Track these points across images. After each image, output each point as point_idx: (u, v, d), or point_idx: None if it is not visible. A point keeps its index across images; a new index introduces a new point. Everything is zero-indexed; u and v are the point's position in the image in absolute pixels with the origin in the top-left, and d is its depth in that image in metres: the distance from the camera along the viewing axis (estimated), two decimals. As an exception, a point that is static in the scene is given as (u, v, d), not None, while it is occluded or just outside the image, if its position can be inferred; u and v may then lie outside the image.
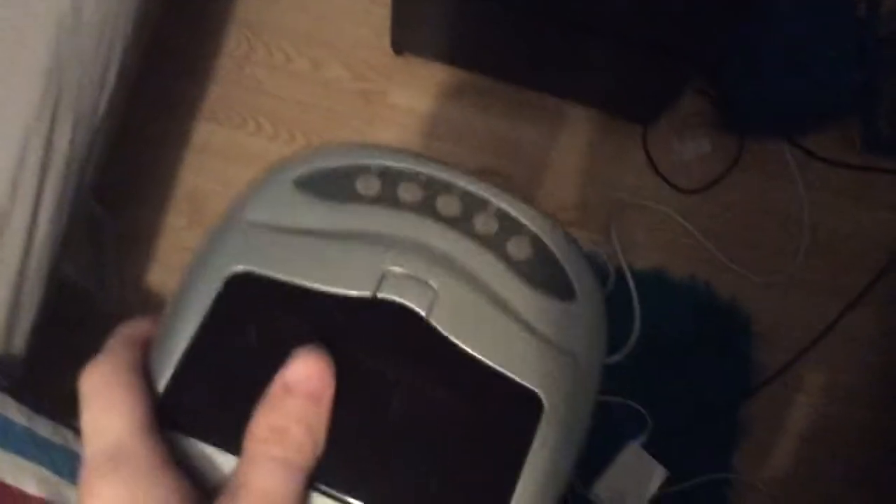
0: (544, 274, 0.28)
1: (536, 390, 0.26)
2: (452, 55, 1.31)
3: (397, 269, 0.26)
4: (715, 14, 1.03)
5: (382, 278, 0.26)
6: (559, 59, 1.23)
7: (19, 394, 0.83)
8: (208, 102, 1.33)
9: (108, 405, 0.25)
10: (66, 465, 0.79)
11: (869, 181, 1.32)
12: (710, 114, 1.34)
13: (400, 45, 1.32)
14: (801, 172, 1.32)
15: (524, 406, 0.26)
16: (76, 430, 0.82)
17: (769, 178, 1.33)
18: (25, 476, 0.77)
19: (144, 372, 0.26)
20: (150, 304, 1.25)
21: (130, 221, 1.26)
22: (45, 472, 0.78)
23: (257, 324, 0.26)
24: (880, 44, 1.26)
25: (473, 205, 0.29)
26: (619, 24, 1.09)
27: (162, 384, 0.25)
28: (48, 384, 0.82)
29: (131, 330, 0.28)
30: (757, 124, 1.29)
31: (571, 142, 1.34)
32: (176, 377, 0.25)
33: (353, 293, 0.26)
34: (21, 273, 0.88)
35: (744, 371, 1.25)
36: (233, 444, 0.24)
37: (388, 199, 0.28)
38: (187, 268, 0.29)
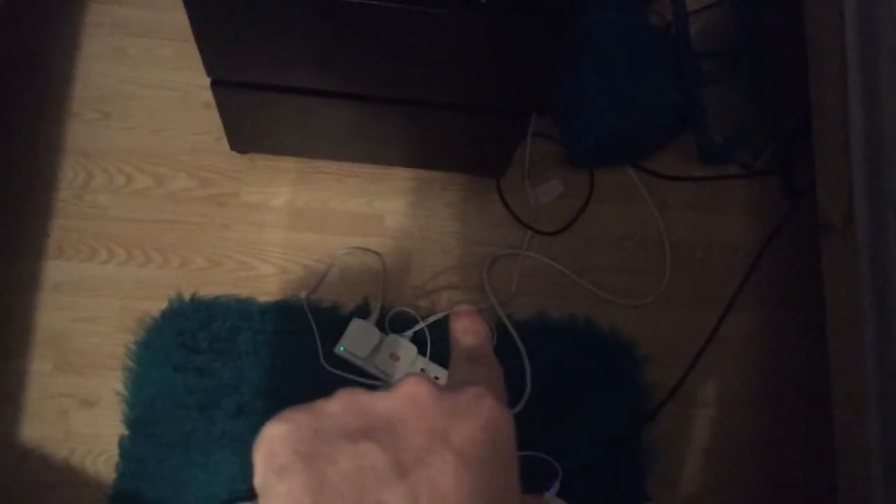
0: None
1: None
2: (295, 147, 1.31)
3: None
4: (529, 70, 1.06)
5: None
6: (400, 134, 1.24)
7: None
8: (53, 239, 1.27)
9: None
10: None
11: (714, 189, 1.39)
12: (556, 155, 1.38)
13: (240, 145, 1.31)
14: (651, 194, 1.37)
15: None
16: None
17: (623, 204, 1.37)
18: None
19: None
20: (28, 462, 1.18)
21: (-11, 381, 1.19)
22: None
23: None
24: (696, 60, 1.33)
25: None
26: (443, 96, 1.12)
27: None
28: None
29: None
30: (599, 158, 1.34)
31: (432, 207, 1.35)
32: None
33: None
34: None
35: (639, 397, 1.28)
36: None
37: None
38: None
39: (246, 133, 1.27)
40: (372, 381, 1.21)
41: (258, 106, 1.17)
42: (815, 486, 1.26)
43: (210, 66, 1.07)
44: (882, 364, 0.90)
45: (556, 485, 1.19)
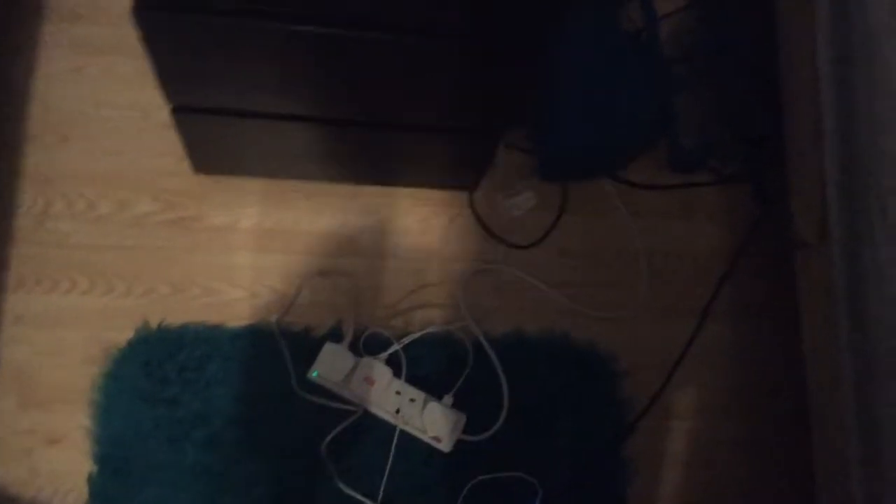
0: None
1: None
2: (261, 168, 1.28)
3: None
4: (498, 89, 1.04)
5: None
6: (368, 153, 1.22)
7: None
8: (13, 269, 1.23)
9: None
10: None
11: (688, 197, 1.38)
12: (529, 166, 1.36)
13: (204, 167, 1.27)
14: (625, 204, 1.35)
15: None
16: None
17: (598, 215, 1.36)
18: None
19: None
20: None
21: (-51, 420, 1.15)
22: None
23: None
24: (665, 68, 1.31)
25: None
26: (411, 117, 1.10)
27: None
28: None
29: None
30: (572, 172, 1.32)
31: (404, 224, 1.32)
32: None
33: None
34: None
35: (618, 411, 1.26)
36: None
37: None
38: None
39: (209, 155, 1.24)
40: (347, 405, 1.19)
41: (220, 130, 1.14)
42: (796, 494, 1.25)
43: (169, 94, 1.04)
44: (859, 376, 0.89)
45: (537, 503, 1.18)
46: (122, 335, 1.21)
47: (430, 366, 1.23)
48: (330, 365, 1.19)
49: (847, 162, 0.89)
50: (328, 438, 1.17)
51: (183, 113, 1.10)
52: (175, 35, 0.93)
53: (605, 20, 1.31)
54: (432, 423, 1.19)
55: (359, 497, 1.16)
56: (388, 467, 1.16)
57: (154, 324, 1.22)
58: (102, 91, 1.34)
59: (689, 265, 1.36)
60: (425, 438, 1.19)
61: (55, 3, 1.36)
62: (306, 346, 1.22)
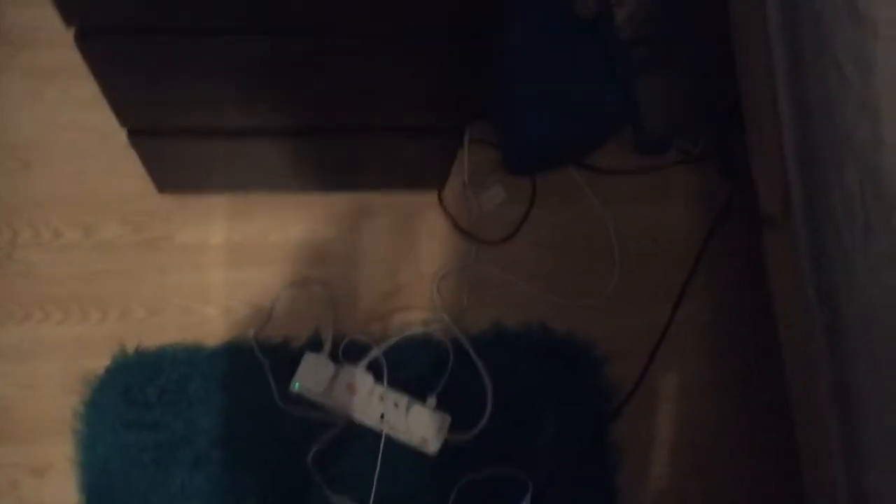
0: None
1: None
2: (225, 182, 1.27)
3: None
4: (456, 86, 1.03)
5: None
6: (332, 160, 1.21)
7: None
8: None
9: None
10: None
11: (657, 180, 1.38)
12: (496, 160, 1.35)
13: (168, 187, 1.26)
14: (593, 191, 1.35)
15: None
16: None
17: (567, 204, 1.36)
18: None
19: None
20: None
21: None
22: None
23: None
24: (626, 52, 1.31)
25: None
26: (371, 120, 1.09)
27: None
28: None
29: None
30: (537, 164, 1.32)
31: (374, 228, 1.32)
32: None
33: None
34: None
35: (602, 398, 1.27)
36: None
37: None
38: None
39: (172, 174, 1.23)
40: (331, 415, 1.19)
41: (180, 149, 1.13)
42: (782, 473, 1.27)
43: (123, 118, 1.03)
44: (833, 354, 0.90)
45: (528, 498, 1.19)
46: (100, 362, 1.21)
47: (411, 369, 1.23)
48: (311, 376, 1.19)
49: (802, 138, 0.89)
50: (314, 449, 1.17)
51: (139, 135, 1.08)
52: (120, 59, 0.91)
53: (559, 8, 1.30)
54: (417, 425, 1.19)
55: (349, 505, 1.17)
56: (377, 473, 1.16)
57: (131, 348, 1.22)
58: (61, 114, 1.32)
59: (663, 248, 1.36)
60: (412, 442, 1.19)
61: (5, 29, 1.34)
62: (286, 357, 1.21)
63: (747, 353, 1.32)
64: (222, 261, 1.28)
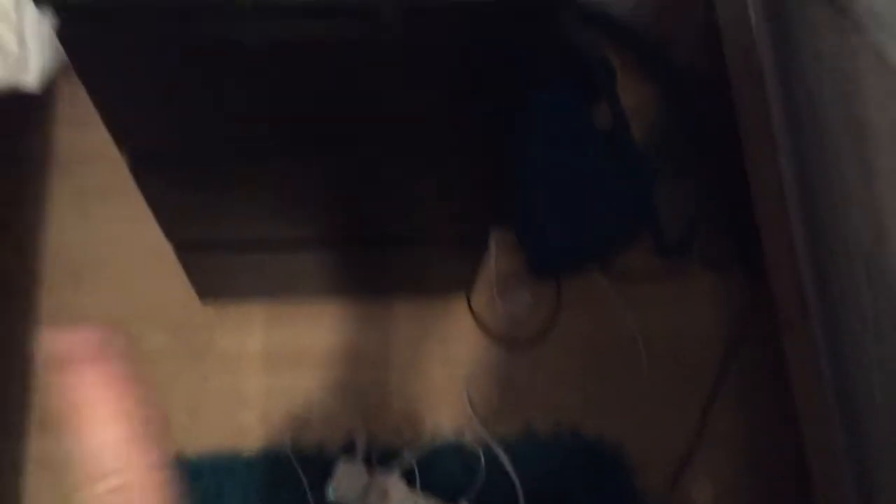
0: None
1: None
2: (264, 291, 1.33)
3: None
4: (483, 197, 1.09)
5: None
6: (367, 268, 1.27)
7: None
8: (35, 414, 1.27)
9: None
10: None
11: (679, 283, 1.41)
12: (521, 265, 1.40)
13: (210, 296, 1.32)
14: (618, 293, 1.39)
15: None
16: None
17: (593, 308, 1.39)
18: None
19: None
20: None
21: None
22: None
23: None
24: (641, 160, 1.37)
25: None
26: (402, 231, 1.15)
27: None
28: None
29: None
30: (560, 269, 1.37)
31: (405, 331, 1.36)
32: None
33: None
34: None
35: (635, 503, 1.27)
36: None
37: None
38: None
39: (215, 284, 1.29)
40: (365, 521, 1.20)
41: (223, 261, 1.20)
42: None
43: (170, 233, 1.10)
44: (854, 459, 0.91)
45: None
46: (141, 469, 1.24)
47: (443, 474, 1.25)
48: (346, 483, 1.21)
49: (812, 243, 0.93)
50: (349, 556, 1.18)
51: (185, 249, 1.15)
52: (171, 180, 0.99)
53: (579, 119, 1.37)
54: (451, 531, 1.20)
55: None
56: (411, 580, 1.16)
57: (171, 456, 1.25)
58: (109, 230, 1.40)
59: (689, 350, 1.38)
60: (445, 548, 1.19)
61: (61, 153, 1.44)
62: (320, 464, 1.23)
63: (779, 455, 1.32)
64: (260, 367, 1.32)
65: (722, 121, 1.32)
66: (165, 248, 1.35)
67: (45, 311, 1.34)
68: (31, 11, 0.77)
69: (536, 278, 1.38)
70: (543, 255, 1.34)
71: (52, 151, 1.44)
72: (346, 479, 1.21)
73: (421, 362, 1.35)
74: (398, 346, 1.36)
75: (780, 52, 1.01)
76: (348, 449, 1.26)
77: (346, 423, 1.29)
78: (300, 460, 1.24)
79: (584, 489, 1.26)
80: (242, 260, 1.21)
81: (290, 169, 0.97)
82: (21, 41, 0.74)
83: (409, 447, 1.26)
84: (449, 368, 1.34)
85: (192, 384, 1.31)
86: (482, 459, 1.26)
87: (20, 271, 1.36)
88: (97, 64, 0.73)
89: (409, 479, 1.23)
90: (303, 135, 0.91)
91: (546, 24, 0.72)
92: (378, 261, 1.25)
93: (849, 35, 0.91)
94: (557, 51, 1.32)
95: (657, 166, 1.39)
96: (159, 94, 0.80)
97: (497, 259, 1.39)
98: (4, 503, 1.22)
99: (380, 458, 1.25)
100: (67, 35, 0.68)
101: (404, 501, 1.20)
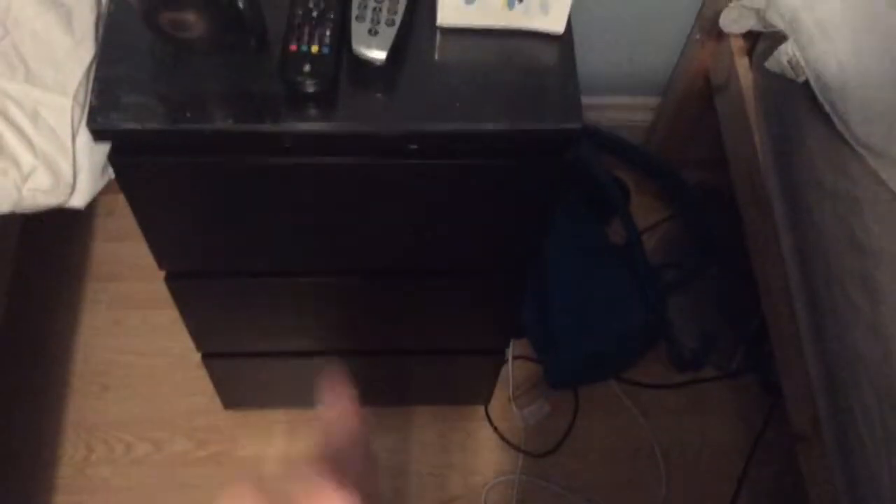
0: None
1: None
2: (285, 399, 1.36)
3: None
4: (499, 312, 1.13)
5: None
6: (387, 378, 1.30)
7: None
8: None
9: None
10: None
11: (695, 394, 1.42)
12: (538, 375, 1.43)
13: (233, 403, 1.35)
14: (634, 404, 1.41)
15: None
16: None
17: (610, 417, 1.41)
18: None
19: None
20: None
21: None
22: None
23: None
24: (656, 276, 1.41)
25: None
26: (422, 345, 1.19)
27: None
28: None
29: None
30: (576, 380, 1.39)
31: (423, 440, 1.38)
32: None
33: None
34: None
35: None
36: None
37: None
38: None
39: (239, 392, 1.33)
40: None
41: (248, 370, 1.24)
42: None
43: (199, 343, 1.14)
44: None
45: None
46: (159, 577, 1.24)
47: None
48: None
49: (822, 358, 0.95)
50: None
51: (213, 358, 1.20)
52: (205, 296, 1.04)
53: (593, 235, 1.42)
54: None
55: None
56: None
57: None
58: (140, 340, 1.45)
59: (707, 460, 1.38)
60: None
61: (96, 264, 1.51)
62: (337, 574, 1.23)
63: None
64: (278, 473, 1.33)
65: (732, 236, 1.36)
66: (193, 359, 1.40)
67: (73, 415, 1.37)
68: (84, 138, 0.84)
69: (553, 388, 1.41)
70: (560, 367, 1.36)
71: (88, 264, 1.51)
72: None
73: (440, 470, 1.36)
74: (417, 453, 1.37)
75: (784, 177, 1.07)
76: (365, 559, 1.26)
77: (363, 533, 1.29)
78: (317, 570, 1.23)
79: None
80: (268, 369, 1.24)
81: (321, 289, 1.02)
82: (75, 171, 0.80)
83: (426, 558, 1.26)
84: (467, 476, 1.35)
85: (212, 490, 1.31)
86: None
87: (52, 375, 1.40)
88: (146, 189, 0.79)
89: (426, 591, 1.22)
90: (336, 260, 0.96)
91: (566, 155, 0.78)
92: (400, 372, 1.28)
93: (848, 161, 0.96)
94: (574, 173, 1.38)
95: (670, 280, 1.43)
96: (202, 217, 0.86)
97: (514, 369, 1.42)
98: None
99: (397, 569, 1.25)
100: (120, 162, 0.75)
101: None
